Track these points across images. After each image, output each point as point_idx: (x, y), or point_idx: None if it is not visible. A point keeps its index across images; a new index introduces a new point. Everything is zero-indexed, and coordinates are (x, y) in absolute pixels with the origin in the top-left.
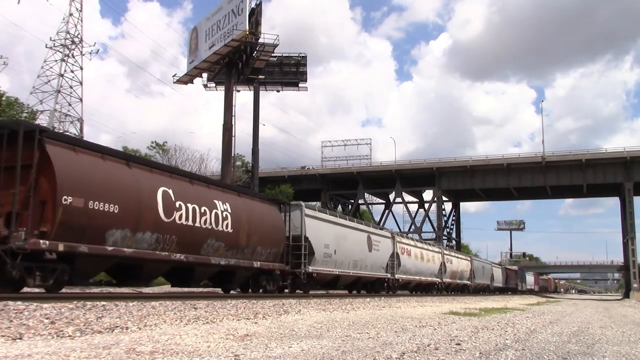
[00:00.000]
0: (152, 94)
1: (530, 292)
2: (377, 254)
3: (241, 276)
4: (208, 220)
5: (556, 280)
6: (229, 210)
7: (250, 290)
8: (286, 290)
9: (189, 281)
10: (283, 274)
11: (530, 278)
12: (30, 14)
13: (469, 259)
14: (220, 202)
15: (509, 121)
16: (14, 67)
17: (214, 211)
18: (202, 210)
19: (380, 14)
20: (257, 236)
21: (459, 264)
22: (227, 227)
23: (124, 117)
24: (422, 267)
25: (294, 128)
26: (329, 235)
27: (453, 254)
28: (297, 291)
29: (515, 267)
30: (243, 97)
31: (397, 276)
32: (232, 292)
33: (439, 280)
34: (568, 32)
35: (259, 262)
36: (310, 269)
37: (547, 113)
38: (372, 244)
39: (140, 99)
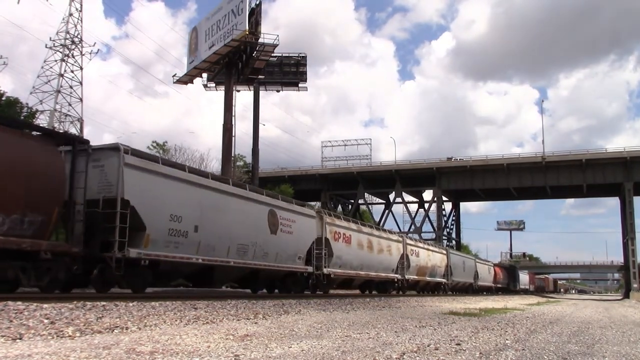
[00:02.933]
0: (156, 94)
1: (525, 292)
2: (289, 239)
3: None
4: None
5: (557, 280)
6: None
7: None
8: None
9: None
10: (75, 259)
11: (524, 277)
12: (34, 15)
13: (445, 252)
14: None
15: (512, 121)
16: (18, 68)
17: None
18: None
19: (385, 14)
20: None
21: (429, 257)
22: None
23: (127, 117)
24: (371, 260)
25: (298, 128)
26: (183, 203)
27: (421, 245)
28: (116, 288)
29: (506, 265)
30: (245, 97)
31: (327, 270)
32: None
33: (398, 276)
34: (572, 33)
35: None
36: (137, 253)
37: (550, 113)
38: (280, 223)
39: (144, 99)
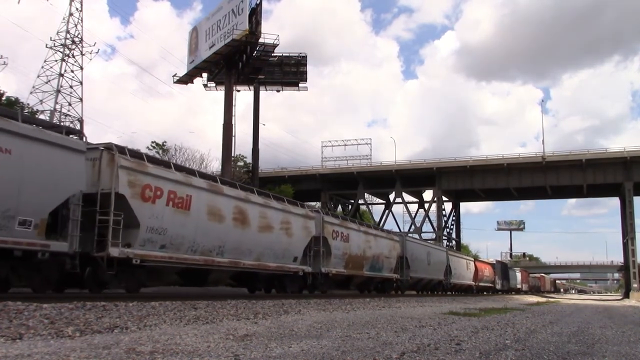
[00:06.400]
0: (161, 95)
1: (517, 291)
2: None
3: None
4: None
5: (556, 280)
6: None
7: None
8: None
9: None
10: None
11: (515, 275)
12: (38, 14)
13: (397, 239)
14: None
15: (515, 121)
16: (22, 68)
17: None
18: None
19: (391, 15)
20: None
21: (368, 244)
22: None
23: (131, 118)
24: (245, 241)
25: (300, 129)
26: None
27: (353, 226)
28: None
29: (492, 261)
30: (247, 98)
31: (122, 251)
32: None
33: (306, 268)
34: (576, 33)
35: None
36: None
37: (554, 114)
38: None
39: (148, 100)
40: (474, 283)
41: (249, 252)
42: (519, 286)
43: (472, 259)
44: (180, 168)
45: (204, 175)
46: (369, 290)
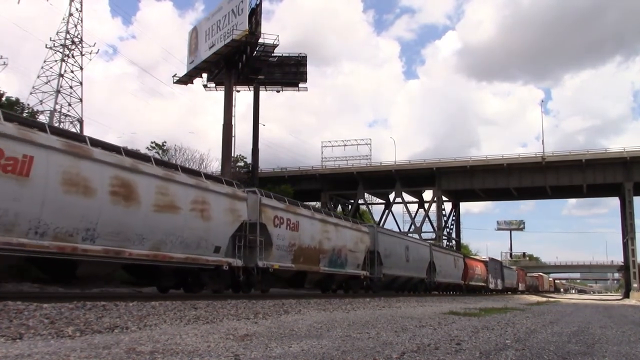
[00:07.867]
0: (163, 95)
1: (514, 291)
2: None
3: None
4: None
5: (556, 280)
6: None
7: None
8: None
9: None
10: None
11: (512, 274)
12: (38, 15)
13: (366, 230)
14: None
15: (516, 122)
16: (24, 68)
17: None
18: None
19: (393, 16)
20: None
21: (326, 234)
22: None
23: (133, 118)
24: (138, 224)
25: (303, 129)
26: None
27: (304, 212)
28: None
29: (485, 258)
30: (248, 98)
31: None
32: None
33: (235, 262)
34: (578, 34)
35: None
36: None
37: (555, 114)
38: None
39: (150, 100)
40: (463, 282)
41: (140, 239)
42: (514, 286)
43: (462, 256)
44: (19, 120)
45: (59, 132)
46: (333, 290)
